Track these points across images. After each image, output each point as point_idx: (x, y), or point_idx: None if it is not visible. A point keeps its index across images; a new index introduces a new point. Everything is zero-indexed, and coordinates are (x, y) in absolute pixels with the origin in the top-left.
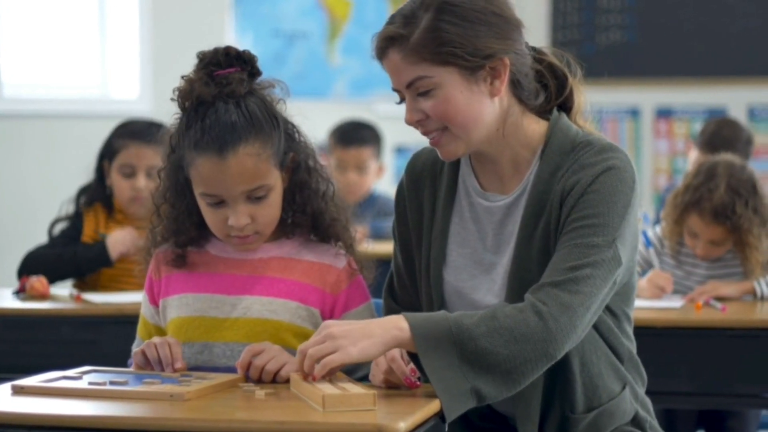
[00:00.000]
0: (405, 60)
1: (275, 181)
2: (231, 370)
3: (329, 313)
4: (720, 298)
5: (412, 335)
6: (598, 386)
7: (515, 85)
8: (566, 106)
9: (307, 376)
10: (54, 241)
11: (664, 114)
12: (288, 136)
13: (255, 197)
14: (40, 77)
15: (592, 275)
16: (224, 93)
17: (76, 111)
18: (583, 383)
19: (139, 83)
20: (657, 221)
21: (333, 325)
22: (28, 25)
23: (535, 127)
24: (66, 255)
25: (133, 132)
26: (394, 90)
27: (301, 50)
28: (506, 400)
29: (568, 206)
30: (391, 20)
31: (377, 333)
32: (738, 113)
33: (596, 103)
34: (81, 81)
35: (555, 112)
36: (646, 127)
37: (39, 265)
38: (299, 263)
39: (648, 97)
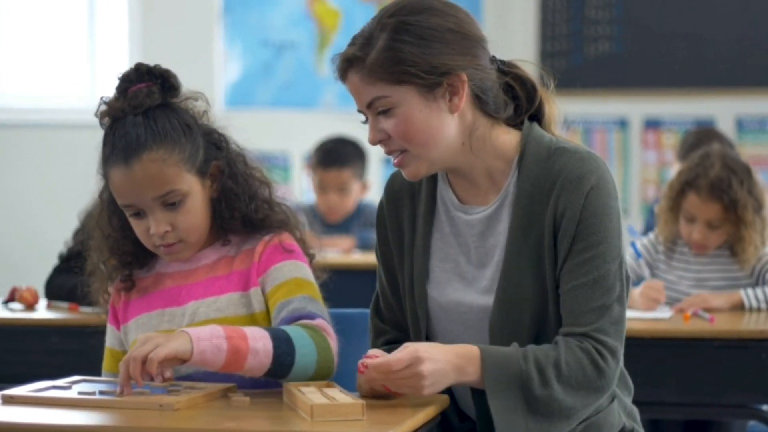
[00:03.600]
0: (363, 81)
1: (190, 187)
2: (192, 377)
3: (256, 277)
4: (708, 310)
5: (482, 375)
6: None
7: (477, 100)
8: (537, 117)
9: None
10: (68, 260)
11: (653, 125)
12: (212, 145)
13: (169, 203)
14: (29, 87)
15: (622, 309)
16: (132, 105)
17: (66, 120)
18: None
19: None
20: (646, 232)
21: (426, 362)
22: (18, 35)
23: (506, 138)
24: (78, 289)
25: None
26: (359, 111)
27: (290, 60)
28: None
29: (568, 235)
30: (352, 42)
31: (451, 375)
32: (726, 124)
33: (584, 113)
34: (70, 90)
35: (526, 122)
36: (635, 138)
37: (61, 294)
38: (237, 256)
39: (636, 107)
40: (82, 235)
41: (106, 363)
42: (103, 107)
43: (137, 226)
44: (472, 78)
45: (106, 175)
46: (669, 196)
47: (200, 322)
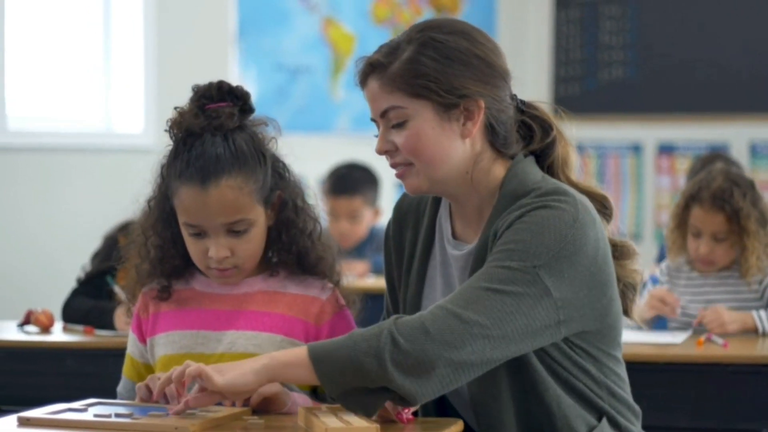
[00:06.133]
0: (382, 88)
1: (257, 216)
2: (220, 404)
3: (312, 338)
4: (722, 333)
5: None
6: (555, 423)
7: (490, 131)
8: (545, 157)
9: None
10: (86, 283)
11: (666, 150)
12: (277, 174)
13: (235, 231)
14: (44, 110)
15: (497, 299)
16: (213, 125)
17: (81, 144)
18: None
19: (144, 117)
20: (660, 258)
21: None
22: (33, 59)
23: (498, 171)
24: (94, 312)
25: None
26: (372, 120)
27: (305, 85)
28: None
29: (496, 241)
30: (378, 49)
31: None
32: (740, 150)
33: (598, 138)
34: (85, 115)
35: (520, 155)
36: (648, 163)
37: (77, 317)
38: (284, 296)
39: (650, 133)
40: (101, 257)
41: (126, 369)
42: (178, 118)
43: (194, 244)
44: (489, 107)
45: (173, 190)
46: (675, 214)
47: (238, 354)
